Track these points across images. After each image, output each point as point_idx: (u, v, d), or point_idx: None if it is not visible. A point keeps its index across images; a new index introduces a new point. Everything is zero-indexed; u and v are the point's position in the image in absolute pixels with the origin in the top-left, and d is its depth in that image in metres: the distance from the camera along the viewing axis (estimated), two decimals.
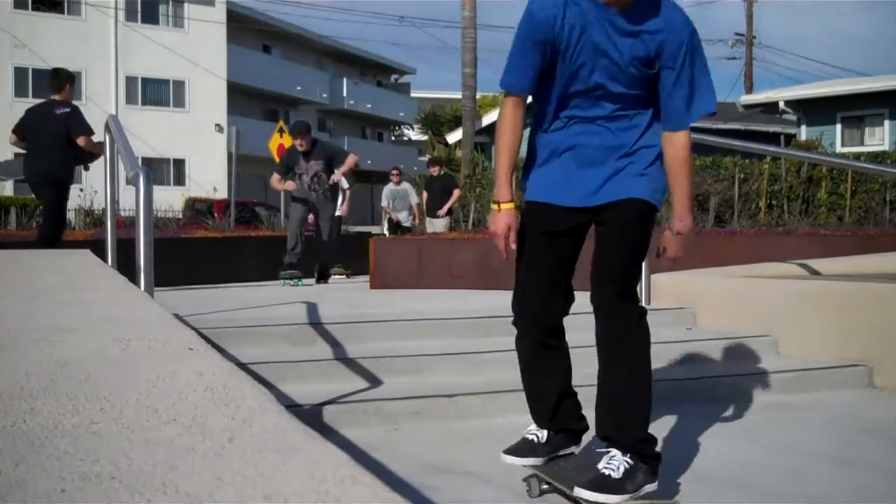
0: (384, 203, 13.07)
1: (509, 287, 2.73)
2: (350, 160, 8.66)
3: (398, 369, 3.85)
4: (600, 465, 2.49)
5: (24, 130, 7.03)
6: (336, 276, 9.09)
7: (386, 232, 12.97)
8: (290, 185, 8.67)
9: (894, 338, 4.18)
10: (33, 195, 8.13)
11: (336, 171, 8.66)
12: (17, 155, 10.42)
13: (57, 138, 6.80)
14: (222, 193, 25.88)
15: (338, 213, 9.63)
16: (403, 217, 12.88)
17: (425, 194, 12.85)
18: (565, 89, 2.55)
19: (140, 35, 30.57)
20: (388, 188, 13.09)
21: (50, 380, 1.80)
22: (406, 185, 13.24)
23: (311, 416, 3.19)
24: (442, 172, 13.23)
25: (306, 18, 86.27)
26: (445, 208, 12.49)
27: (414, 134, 41.58)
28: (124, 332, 2.42)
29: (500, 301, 5.79)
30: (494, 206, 2.61)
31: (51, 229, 6.98)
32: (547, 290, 2.64)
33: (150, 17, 31.46)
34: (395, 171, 13.16)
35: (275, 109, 36.19)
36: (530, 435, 2.77)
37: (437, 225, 12.43)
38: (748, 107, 22.31)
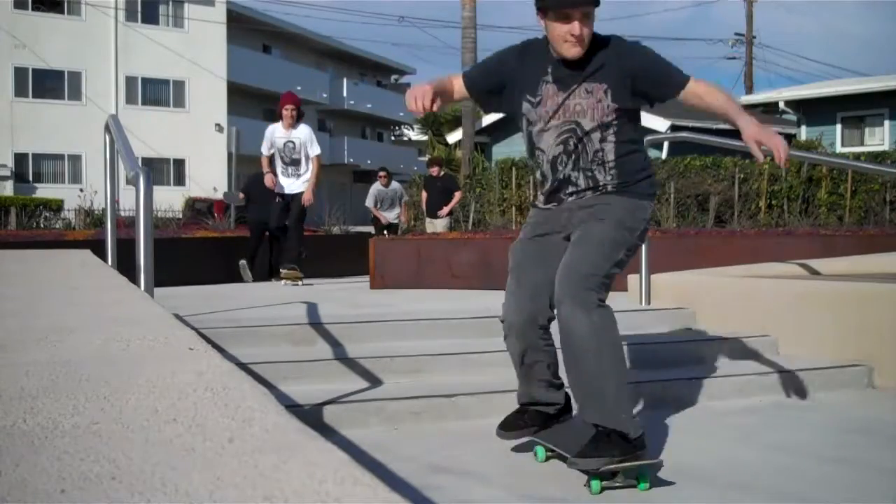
0: (369, 203, 12.90)
1: None
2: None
3: (398, 369, 3.85)
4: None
5: (248, 190, 10.14)
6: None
7: (373, 231, 12.86)
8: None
9: (894, 338, 4.18)
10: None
11: None
12: (233, 192, 15.12)
13: (270, 196, 9.51)
14: (222, 193, 25.85)
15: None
16: (392, 216, 12.82)
17: (425, 194, 12.79)
18: None
19: (140, 35, 30.57)
20: (376, 188, 12.91)
21: (50, 380, 1.80)
22: (396, 186, 13.14)
23: (311, 416, 3.19)
24: (442, 173, 13.17)
25: (306, 18, 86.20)
26: (446, 210, 12.46)
27: (414, 134, 41.53)
28: (124, 332, 2.42)
29: (500, 301, 5.79)
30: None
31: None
32: None
33: (150, 17, 31.45)
34: (382, 174, 13.03)
35: (275, 109, 36.12)
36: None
37: (437, 225, 12.41)
38: (748, 107, 22.12)
